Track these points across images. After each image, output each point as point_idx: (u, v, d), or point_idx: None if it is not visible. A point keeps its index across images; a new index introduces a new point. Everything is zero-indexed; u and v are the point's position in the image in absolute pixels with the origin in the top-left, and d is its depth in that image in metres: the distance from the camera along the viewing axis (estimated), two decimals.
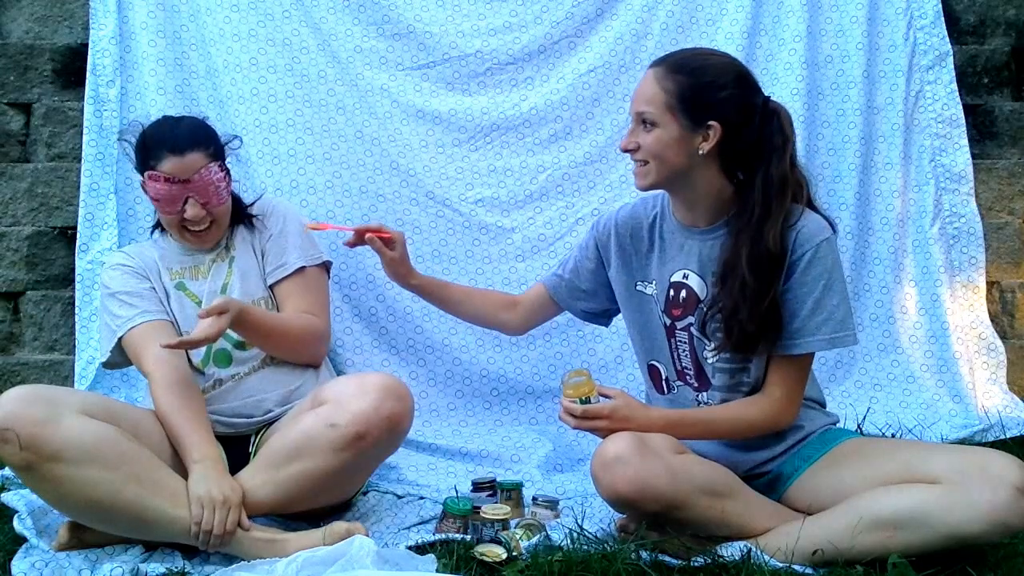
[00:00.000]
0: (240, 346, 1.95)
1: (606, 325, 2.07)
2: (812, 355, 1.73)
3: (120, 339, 1.91)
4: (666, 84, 1.66)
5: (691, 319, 1.76)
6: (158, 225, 2.07)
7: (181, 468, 1.73)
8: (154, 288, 1.97)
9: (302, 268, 2.02)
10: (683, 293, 1.77)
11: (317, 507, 1.82)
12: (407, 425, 1.78)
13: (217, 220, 1.97)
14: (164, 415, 1.78)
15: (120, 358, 1.95)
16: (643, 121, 1.69)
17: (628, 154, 1.73)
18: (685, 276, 1.77)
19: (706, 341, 1.75)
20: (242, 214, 2.06)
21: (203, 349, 1.93)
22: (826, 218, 1.71)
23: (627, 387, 2.34)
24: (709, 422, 1.73)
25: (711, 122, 1.65)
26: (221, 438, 1.85)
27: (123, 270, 1.98)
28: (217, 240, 2.02)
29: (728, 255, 1.67)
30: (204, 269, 2.01)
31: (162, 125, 1.95)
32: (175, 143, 1.88)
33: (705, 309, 1.72)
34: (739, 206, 1.69)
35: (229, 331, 1.92)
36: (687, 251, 1.76)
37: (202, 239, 1.98)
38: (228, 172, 1.98)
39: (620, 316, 2.02)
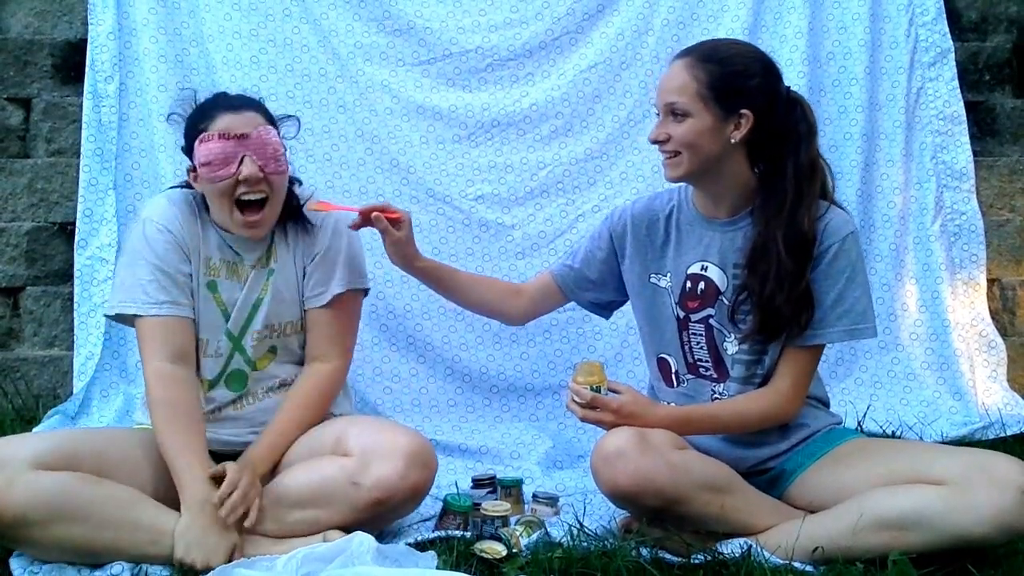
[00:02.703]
0: (254, 366, 1.85)
1: (607, 317, 2.06)
2: (823, 348, 1.73)
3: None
4: (696, 73, 1.67)
5: (710, 311, 1.76)
6: None
7: (169, 481, 1.65)
8: (191, 274, 1.80)
9: (340, 294, 1.86)
10: (701, 285, 1.77)
11: None
12: (429, 489, 1.73)
13: (272, 196, 1.75)
14: (159, 440, 1.69)
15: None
16: (673, 112, 1.68)
17: (657, 145, 1.73)
18: (704, 268, 1.77)
19: (728, 332, 1.75)
20: (295, 212, 1.86)
21: (218, 369, 1.82)
22: (845, 211, 1.72)
23: (628, 384, 2.33)
24: (715, 417, 1.73)
25: (743, 110, 1.66)
26: (215, 454, 1.74)
27: (168, 239, 1.77)
28: (269, 227, 1.81)
29: (760, 241, 1.67)
30: (243, 272, 1.83)
31: (215, 95, 1.84)
32: (230, 102, 1.78)
33: (734, 298, 1.72)
34: (764, 196, 1.70)
35: (246, 348, 1.83)
36: (706, 243, 1.77)
37: (255, 225, 1.77)
38: (285, 147, 1.80)
39: (621, 310, 2.02)
